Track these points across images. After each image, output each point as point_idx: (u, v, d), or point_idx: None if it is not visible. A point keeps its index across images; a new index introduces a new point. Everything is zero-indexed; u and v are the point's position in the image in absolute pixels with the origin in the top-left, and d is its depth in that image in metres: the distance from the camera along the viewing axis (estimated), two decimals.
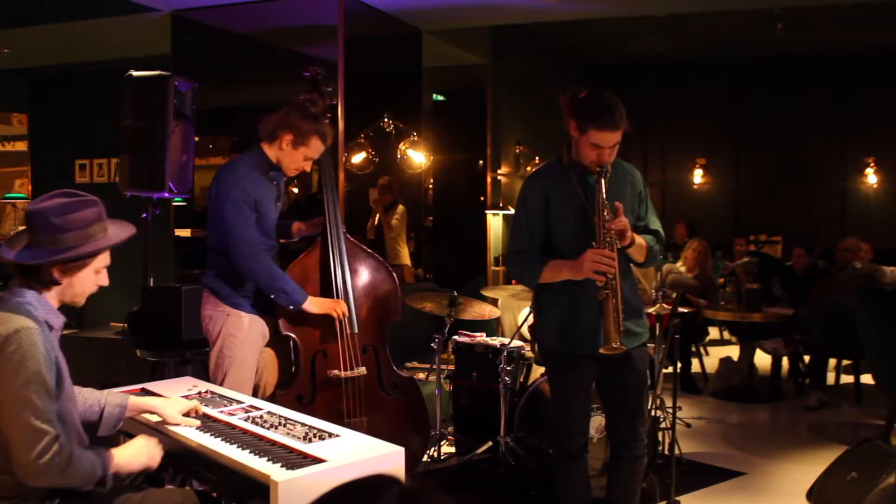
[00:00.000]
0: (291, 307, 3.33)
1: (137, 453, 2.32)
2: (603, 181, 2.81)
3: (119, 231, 2.31)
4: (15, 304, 2.15)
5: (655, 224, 3.08)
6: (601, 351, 2.78)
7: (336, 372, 3.43)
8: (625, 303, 2.84)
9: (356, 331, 3.49)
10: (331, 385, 3.44)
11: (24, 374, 2.05)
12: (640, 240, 2.93)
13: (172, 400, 2.62)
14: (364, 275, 3.62)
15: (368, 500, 1.02)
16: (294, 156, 3.37)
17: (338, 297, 3.46)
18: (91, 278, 2.28)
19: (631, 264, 3.05)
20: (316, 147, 3.38)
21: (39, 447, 2.04)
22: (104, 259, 2.28)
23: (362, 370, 3.48)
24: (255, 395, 3.39)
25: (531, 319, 4.89)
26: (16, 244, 2.22)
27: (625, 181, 3.00)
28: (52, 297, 2.24)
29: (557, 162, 3.02)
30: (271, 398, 3.35)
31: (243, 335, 3.39)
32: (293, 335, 3.44)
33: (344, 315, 3.44)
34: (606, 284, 2.74)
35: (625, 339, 2.83)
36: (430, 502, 1.03)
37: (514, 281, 5.09)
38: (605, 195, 2.79)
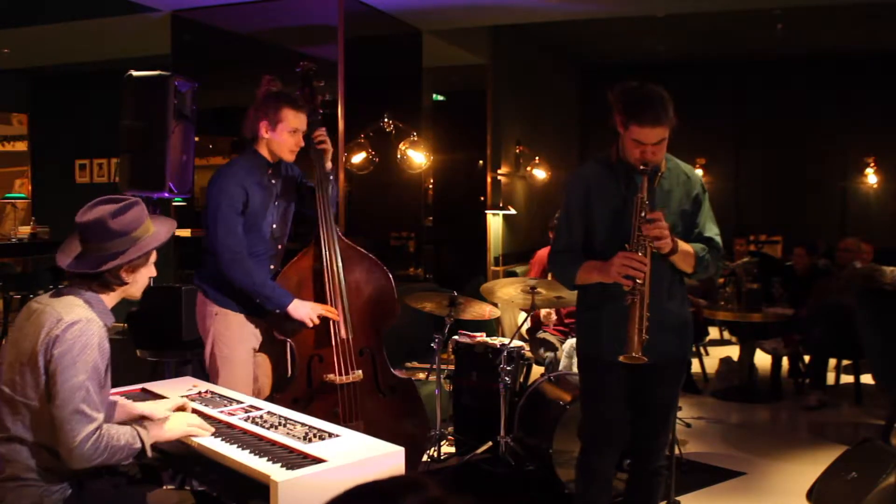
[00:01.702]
0: (277, 311, 3.32)
1: (174, 425, 2.40)
2: (646, 181, 2.64)
3: (163, 222, 2.48)
4: (74, 298, 2.28)
5: (711, 231, 2.88)
6: (620, 359, 2.62)
7: (332, 377, 3.39)
8: (666, 313, 2.74)
9: (350, 335, 3.44)
10: (327, 389, 3.40)
11: (84, 361, 2.18)
12: (685, 247, 2.75)
13: (160, 402, 2.64)
14: (359, 276, 3.57)
15: (390, 501, 1.00)
16: (279, 137, 3.36)
17: (332, 299, 3.42)
18: (147, 272, 2.43)
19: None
20: (291, 116, 3.34)
21: (85, 433, 2.14)
22: (155, 252, 2.43)
23: (358, 374, 3.44)
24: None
25: (529, 323, 4.90)
26: (70, 253, 2.35)
27: (678, 183, 2.84)
28: (110, 298, 2.38)
29: (605, 159, 2.86)
30: (268, 402, 3.33)
31: (232, 333, 3.38)
32: (288, 339, 3.42)
33: (333, 318, 3.40)
34: (634, 289, 2.59)
35: (657, 350, 2.68)
36: None
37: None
38: (645, 196, 2.63)
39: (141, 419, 2.48)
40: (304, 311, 3.33)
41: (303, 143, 3.43)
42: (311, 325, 3.34)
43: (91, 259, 2.31)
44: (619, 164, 2.80)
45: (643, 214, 2.62)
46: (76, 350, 2.17)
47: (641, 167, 2.66)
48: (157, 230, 2.41)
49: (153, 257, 2.43)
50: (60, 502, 2.22)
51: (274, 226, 3.45)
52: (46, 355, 2.17)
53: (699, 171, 2.96)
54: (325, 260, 3.43)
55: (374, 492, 1.01)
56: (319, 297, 3.44)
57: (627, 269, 2.60)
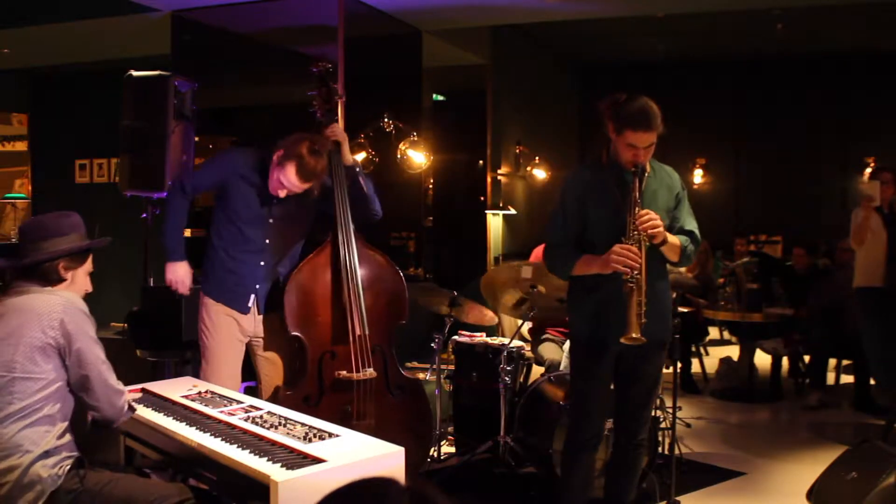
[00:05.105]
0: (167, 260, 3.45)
1: None
2: (637, 180, 2.98)
3: (96, 240, 2.57)
4: (36, 291, 2.35)
5: (691, 225, 3.25)
6: (622, 340, 2.89)
7: (346, 373, 3.41)
8: (654, 300, 2.97)
9: (366, 331, 3.46)
10: (338, 386, 3.41)
11: (94, 333, 2.37)
12: (673, 239, 3.09)
13: None
14: (374, 275, 3.60)
15: (374, 501, 1.02)
16: (274, 172, 3.38)
17: (348, 296, 3.44)
18: (83, 279, 2.48)
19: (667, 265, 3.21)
20: (289, 174, 3.32)
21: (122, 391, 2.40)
22: (90, 264, 2.51)
23: (372, 372, 3.46)
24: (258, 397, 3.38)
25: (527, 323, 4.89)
26: (8, 258, 2.44)
27: (662, 182, 3.18)
28: None
29: (597, 161, 3.20)
30: (276, 398, 3.32)
31: (211, 323, 3.42)
32: (301, 335, 3.42)
33: (183, 290, 3.50)
34: (631, 278, 2.89)
35: (646, 334, 2.92)
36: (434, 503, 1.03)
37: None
38: (638, 194, 2.96)
39: None
40: (170, 274, 3.43)
41: (281, 195, 3.44)
42: (172, 288, 3.46)
43: (26, 256, 2.37)
44: (609, 167, 3.12)
45: (637, 210, 2.95)
46: (84, 324, 2.33)
47: (633, 168, 3.00)
48: (92, 242, 2.51)
49: (89, 265, 2.49)
50: (58, 479, 2.24)
51: (266, 240, 3.48)
52: (59, 340, 2.27)
53: (676, 175, 3.33)
54: (341, 257, 3.46)
55: (351, 493, 1.03)
56: (335, 294, 3.46)
57: (624, 260, 2.90)
